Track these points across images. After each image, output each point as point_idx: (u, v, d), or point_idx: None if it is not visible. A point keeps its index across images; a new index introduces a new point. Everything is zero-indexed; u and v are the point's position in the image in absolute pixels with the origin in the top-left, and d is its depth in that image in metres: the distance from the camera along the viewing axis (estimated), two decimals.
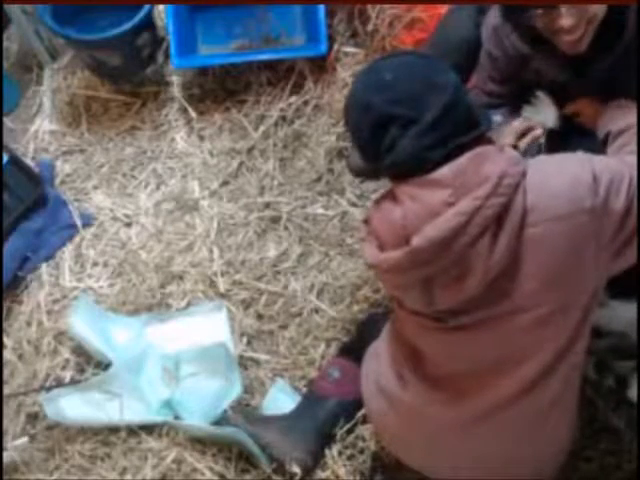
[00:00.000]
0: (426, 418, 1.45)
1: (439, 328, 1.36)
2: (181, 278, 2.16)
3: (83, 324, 2.00)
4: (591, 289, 1.31)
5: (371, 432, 1.83)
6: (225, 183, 2.33)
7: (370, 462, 1.83)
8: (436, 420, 1.44)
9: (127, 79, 2.50)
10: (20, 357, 2.08)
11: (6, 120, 2.52)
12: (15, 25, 2.59)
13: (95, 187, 2.37)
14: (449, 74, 1.30)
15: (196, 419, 1.87)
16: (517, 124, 1.65)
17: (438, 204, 1.24)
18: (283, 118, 2.39)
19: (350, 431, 1.84)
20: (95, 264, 2.22)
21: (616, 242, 1.30)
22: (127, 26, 2.29)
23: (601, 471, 1.76)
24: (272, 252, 2.18)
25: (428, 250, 1.24)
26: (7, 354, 2.08)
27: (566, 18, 1.38)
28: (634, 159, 1.34)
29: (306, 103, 2.40)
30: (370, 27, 2.29)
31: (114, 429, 1.92)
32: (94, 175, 2.39)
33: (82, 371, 2.03)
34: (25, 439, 1.92)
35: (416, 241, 1.25)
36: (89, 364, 2.04)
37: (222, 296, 2.11)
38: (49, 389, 1.97)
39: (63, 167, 2.41)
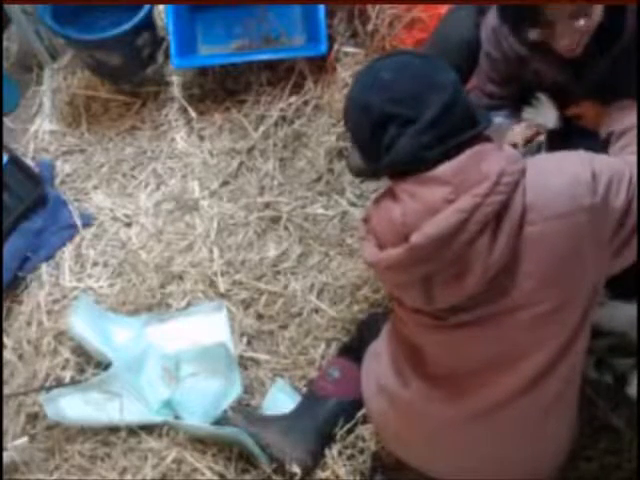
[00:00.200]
0: (426, 416, 1.46)
1: (439, 326, 1.36)
2: (181, 278, 2.16)
3: (83, 324, 2.00)
4: (591, 287, 1.32)
5: (371, 432, 1.83)
6: (225, 183, 2.33)
7: (370, 462, 1.83)
8: (436, 418, 1.44)
9: (127, 79, 2.51)
10: (20, 357, 2.08)
11: (6, 120, 2.52)
12: (15, 25, 2.59)
13: (95, 187, 2.37)
14: (448, 73, 1.30)
15: (196, 419, 1.87)
16: (522, 129, 1.64)
17: (438, 201, 1.24)
18: (283, 118, 2.39)
19: (350, 431, 1.84)
20: (95, 264, 2.22)
21: (615, 241, 1.30)
22: (127, 26, 2.29)
23: (601, 471, 1.76)
24: (272, 252, 2.18)
25: (427, 247, 1.25)
26: (7, 354, 2.08)
27: (562, 39, 1.39)
28: (635, 159, 1.34)
29: (306, 103, 2.40)
30: (370, 27, 2.29)
31: (114, 429, 1.91)
32: (94, 175, 2.39)
33: (82, 371, 2.03)
34: (25, 439, 1.92)
35: (415, 238, 1.25)
36: (89, 364, 2.03)
37: (222, 296, 2.11)
38: (49, 389, 1.96)
39: (63, 167, 2.42)
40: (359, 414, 1.82)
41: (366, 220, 1.40)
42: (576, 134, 1.64)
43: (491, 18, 1.65)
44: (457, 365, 1.40)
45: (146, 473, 1.86)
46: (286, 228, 2.22)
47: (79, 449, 1.91)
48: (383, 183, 1.40)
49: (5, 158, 2.23)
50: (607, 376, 1.76)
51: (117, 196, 2.35)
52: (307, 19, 2.45)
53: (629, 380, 1.74)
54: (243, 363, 2.00)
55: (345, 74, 2.40)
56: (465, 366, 1.39)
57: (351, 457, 1.84)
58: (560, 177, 1.27)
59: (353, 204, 2.24)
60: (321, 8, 2.33)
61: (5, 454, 1.88)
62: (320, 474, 1.82)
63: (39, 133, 2.50)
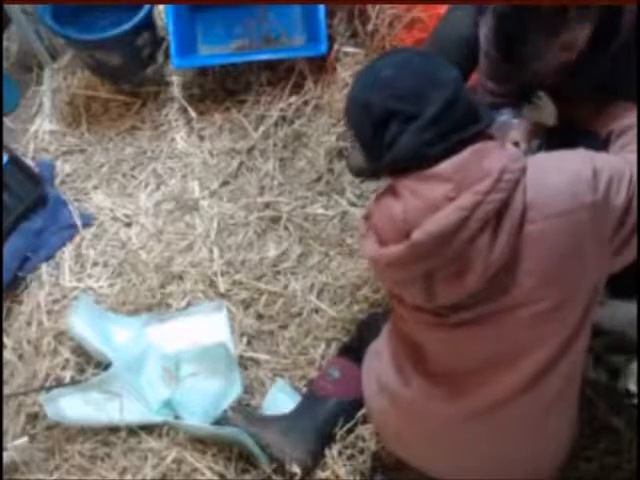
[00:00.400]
0: (427, 414, 1.45)
1: (439, 324, 1.36)
2: (181, 278, 2.16)
3: (83, 324, 2.00)
4: (591, 286, 1.32)
5: (371, 432, 1.83)
6: (225, 183, 2.33)
7: (370, 462, 1.83)
8: (436, 416, 1.44)
9: (127, 79, 2.51)
10: (20, 357, 2.08)
11: (6, 120, 2.52)
12: (15, 25, 2.59)
13: (95, 187, 2.37)
14: (450, 70, 1.30)
15: (196, 419, 1.87)
16: (522, 127, 1.65)
17: (439, 198, 1.24)
18: (283, 118, 2.39)
19: (350, 431, 1.84)
20: (95, 264, 2.22)
21: (616, 240, 1.30)
22: (127, 26, 2.29)
23: (601, 471, 1.76)
24: (272, 252, 2.18)
25: (428, 244, 1.25)
26: (7, 354, 2.08)
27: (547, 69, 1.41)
28: (635, 157, 1.34)
29: (306, 103, 2.40)
30: (370, 27, 2.29)
31: (114, 429, 1.91)
32: (94, 175, 2.39)
33: (82, 371, 2.03)
34: (25, 439, 1.92)
35: (416, 235, 1.25)
36: (89, 364, 2.03)
37: (222, 296, 2.11)
38: (49, 389, 1.96)
39: (63, 167, 2.42)
40: (359, 414, 1.82)
41: (367, 217, 1.40)
42: (576, 133, 1.64)
43: (489, 17, 1.65)
44: (457, 363, 1.40)
45: (146, 473, 1.86)
46: (286, 228, 2.22)
47: (79, 449, 1.91)
48: (383, 183, 1.40)
49: (5, 158, 2.23)
50: (602, 373, 1.77)
51: (117, 196, 2.35)
52: (307, 19, 2.45)
53: (623, 374, 1.75)
54: (243, 363, 2.00)
55: (345, 74, 2.40)
56: (465, 364, 1.39)
57: (351, 457, 1.84)
58: (561, 175, 1.27)
59: (353, 204, 2.24)
60: (321, 8, 2.33)
61: (5, 454, 1.88)
62: (320, 474, 1.82)
63: (39, 133, 2.50)
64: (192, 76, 2.52)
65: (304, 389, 1.93)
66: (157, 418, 1.91)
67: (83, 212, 2.30)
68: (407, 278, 1.33)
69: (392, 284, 1.42)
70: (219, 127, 2.42)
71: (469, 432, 1.43)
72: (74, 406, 1.91)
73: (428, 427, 1.47)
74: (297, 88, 2.43)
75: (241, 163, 2.35)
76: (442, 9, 2.04)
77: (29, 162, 2.36)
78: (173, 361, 1.97)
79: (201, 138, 2.42)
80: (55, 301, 2.16)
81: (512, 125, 1.65)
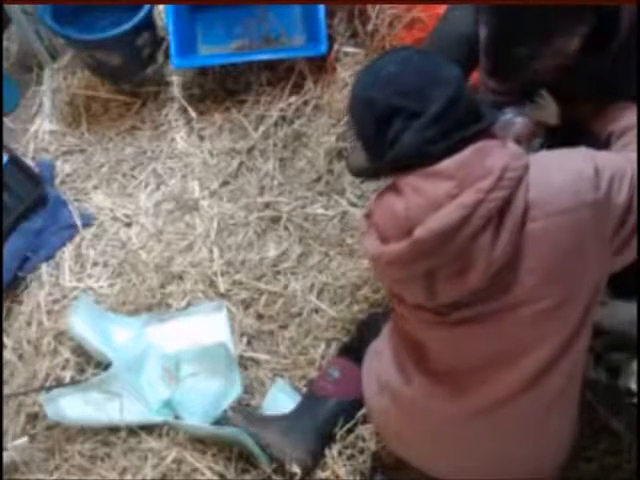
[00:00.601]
0: (428, 413, 1.45)
1: (441, 322, 1.36)
2: (181, 278, 2.16)
3: (83, 324, 2.00)
4: (592, 284, 1.32)
5: (371, 432, 1.83)
6: (225, 183, 2.33)
7: (370, 462, 1.83)
8: (438, 415, 1.44)
9: (127, 79, 2.51)
10: (20, 357, 2.08)
11: (6, 120, 2.52)
12: (15, 25, 2.59)
13: (95, 187, 2.37)
14: (452, 68, 1.30)
15: (196, 419, 1.87)
16: (524, 126, 1.65)
17: (441, 196, 1.24)
18: (283, 118, 2.39)
19: (350, 431, 1.84)
20: (95, 264, 2.22)
21: (616, 241, 1.30)
22: (127, 26, 2.29)
23: (601, 471, 1.76)
24: (272, 252, 2.18)
25: (430, 242, 1.25)
26: (7, 354, 2.08)
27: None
28: (636, 156, 1.34)
29: (306, 103, 2.40)
30: (370, 27, 2.29)
31: (114, 429, 1.91)
32: (94, 175, 2.39)
33: (82, 371, 2.03)
34: (25, 439, 1.92)
35: (418, 232, 1.25)
36: (89, 364, 2.04)
37: (222, 296, 2.11)
38: (49, 389, 1.96)
39: (63, 167, 2.42)
40: (359, 414, 1.83)
41: (368, 215, 1.40)
42: (578, 132, 1.64)
43: (486, 18, 1.65)
44: (458, 362, 1.40)
45: (146, 473, 1.86)
46: (286, 228, 2.22)
47: (79, 449, 1.91)
48: (383, 183, 1.40)
49: (5, 158, 2.23)
50: (603, 372, 1.77)
51: (117, 196, 2.35)
52: (307, 19, 2.45)
53: (624, 373, 1.75)
54: (243, 363, 2.00)
55: (345, 74, 2.40)
56: (466, 363, 1.39)
57: (351, 457, 1.84)
58: (563, 173, 1.27)
59: (353, 204, 2.24)
60: (321, 8, 2.33)
61: (5, 454, 1.88)
62: (320, 474, 1.82)
63: (39, 133, 2.50)
64: (192, 76, 2.52)
65: (304, 389, 1.93)
66: (157, 418, 1.91)
67: (83, 212, 2.30)
68: (408, 276, 1.33)
69: (393, 283, 1.42)
70: (219, 127, 2.42)
71: (470, 431, 1.43)
72: (74, 406, 1.91)
73: (429, 426, 1.47)
74: (297, 88, 2.43)
75: (241, 163, 2.35)
76: (442, 9, 2.03)
77: (29, 162, 2.36)
78: (173, 361, 1.97)
79: (201, 138, 2.42)
80: (55, 301, 2.16)
81: (514, 124, 1.65)
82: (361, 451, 1.84)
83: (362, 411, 1.80)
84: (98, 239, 2.27)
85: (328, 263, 2.15)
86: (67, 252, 2.24)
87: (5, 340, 2.10)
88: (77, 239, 2.26)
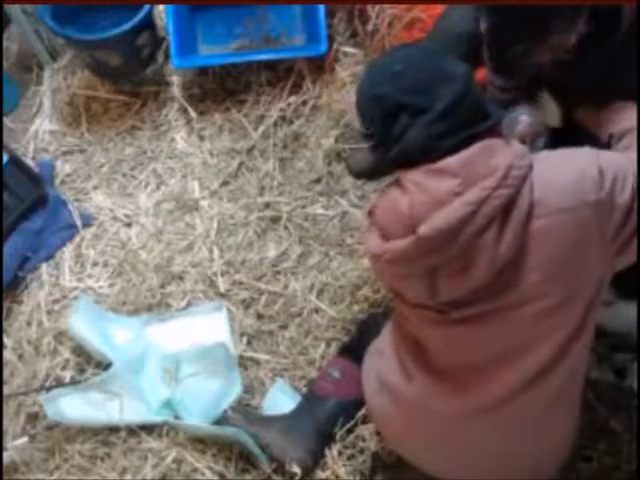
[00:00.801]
0: (429, 412, 1.45)
1: (442, 321, 1.36)
2: (181, 278, 2.16)
3: (83, 324, 2.00)
4: (594, 283, 1.32)
5: (371, 432, 1.83)
6: (225, 183, 2.33)
7: (370, 462, 1.83)
8: (439, 414, 1.44)
9: (127, 79, 2.50)
10: (20, 357, 2.08)
11: (6, 120, 2.52)
12: (15, 25, 2.59)
13: (95, 187, 2.37)
14: (459, 65, 1.31)
15: (196, 419, 1.87)
16: (527, 126, 1.65)
17: (445, 193, 1.25)
18: (282, 118, 2.39)
19: (350, 431, 1.84)
20: (95, 264, 2.22)
21: (617, 241, 1.30)
22: (127, 26, 2.29)
23: (600, 471, 1.76)
24: (272, 252, 2.18)
25: (434, 239, 1.25)
26: (7, 354, 2.08)
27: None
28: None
29: (304, 103, 2.40)
30: (370, 27, 2.28)
31: (114, 429, 1.91)
32: (94, 175, 2.39)
33: (82, 371, 2.03)
34: (25, 439, 1.92)
35: (423, 230, 1.25)
36: (89, 364, 2.03)
37: (222, 296, 2.11)
38: (49, 389, 1.96)
39: (63, 167, 2.41)
40: (359, 414, 1.82)
41: (370, 213, 1.40)
42: (579, 133, 1.64)
43: (483, 17, 1.65)
44: (460, 360, 1.40)
45: (146, 473, 1.86)
46: (286, 228, 2.22)
47: (79, 449, 1.91)
48: (383, 184, 1.41)
49: (5, 158, 2.23)
50: (607, 372, 1.77)
51: (117, 196, 2.35)
52: (307, 19, 2.45)
53: (629, 372, 1.75)
54: (243, 363, 2.00)
55: (344, 74, 2.40)
56: (468, 361, 1.39)
57: (351, 457, 1.84)
58: (567, 173, 1.28)
59: (353, 204, 2.24)
60: (321, 8, 2.33)
61: (5, 454, 1.88)
62: (320, 474, 1.82)
63: (39, 133, 2.50)
64: (192, 76, 2.52)
65: (304, 389, 1.93)
66: (157, 418, 1.91)
67: (83, 212, 2.30)
68: (410, 273, 1.33)
69: (394, 280, 1.42)
70: (219, 127, 2.42)
71: (472, 429, 1.43)
72: (74, 406, 1.91)
73: (430, 424, 1.47)
74: (296, 88, 2.43)
75: (241, 163, 2.35)
76: (442, 9, 2.04)
77: (29, 162, 2.36)
78: (173, 361, 1.97)
79: (201, 138, 2.42)
80: (55, 301, 2.16)
81: (519, 122, 1.65)
82: (361, 451, 1.84)
83: (362, 411, 1.80)
84: (98, 239, 2.26)
85: (328, 263, 2.15)
86: (67, 252, 2.24)
87: (5, 340, 2.10)
88: (77, 239, 2.26)
